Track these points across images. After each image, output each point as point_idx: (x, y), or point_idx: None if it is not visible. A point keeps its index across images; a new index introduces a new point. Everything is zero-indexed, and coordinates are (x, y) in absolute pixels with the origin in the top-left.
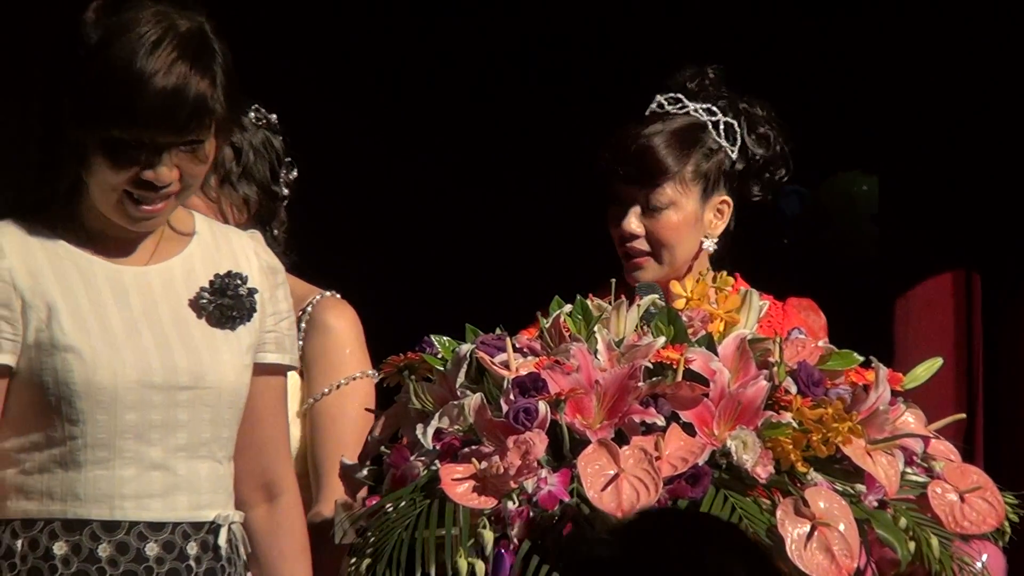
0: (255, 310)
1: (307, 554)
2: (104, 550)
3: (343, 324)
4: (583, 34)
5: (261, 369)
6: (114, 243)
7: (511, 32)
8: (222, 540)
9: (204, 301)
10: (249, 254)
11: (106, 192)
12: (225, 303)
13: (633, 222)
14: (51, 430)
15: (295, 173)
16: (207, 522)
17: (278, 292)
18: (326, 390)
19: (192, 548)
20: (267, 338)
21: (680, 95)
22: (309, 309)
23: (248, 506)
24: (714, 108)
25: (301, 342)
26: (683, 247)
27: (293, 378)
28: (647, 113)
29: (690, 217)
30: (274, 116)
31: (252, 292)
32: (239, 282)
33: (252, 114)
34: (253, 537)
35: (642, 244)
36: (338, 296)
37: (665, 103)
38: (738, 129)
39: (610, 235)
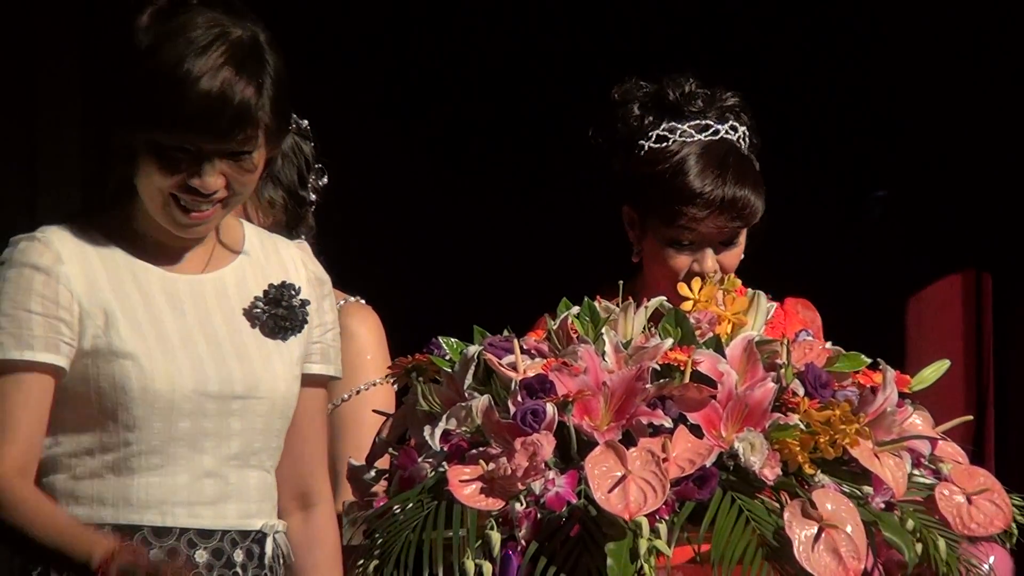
0: (306, 322)
1: (339, 565)
2: (155, 556)
3: (365, 330)
4: (592, 39)
5: (306, 380)
6: (167, 250)
7: (521, 38)
8: (268, 549)
9: (258, 311)
10: (298, 264)
11: (153, 195)
12: (279, 313)
13: (712, 263)
14: (105, 436)
15: (325, 179)
16: (254, 531)
17: (324, 303)
18: (346, 396)
19: (239, 556)
20: (313, 349)
21: (707, 121)
22: None
23: (283, 515)
24: (734, 123)
25: None
26: (736, 265)
27: None
28: (673, 146)
29: (745, 238)
30: (305, 122)
31: (304, 304)
32: (292, 293)
33: None
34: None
35: (715, 277)
36: (363, 302)
37: (692, 131)
38: (748, 132)
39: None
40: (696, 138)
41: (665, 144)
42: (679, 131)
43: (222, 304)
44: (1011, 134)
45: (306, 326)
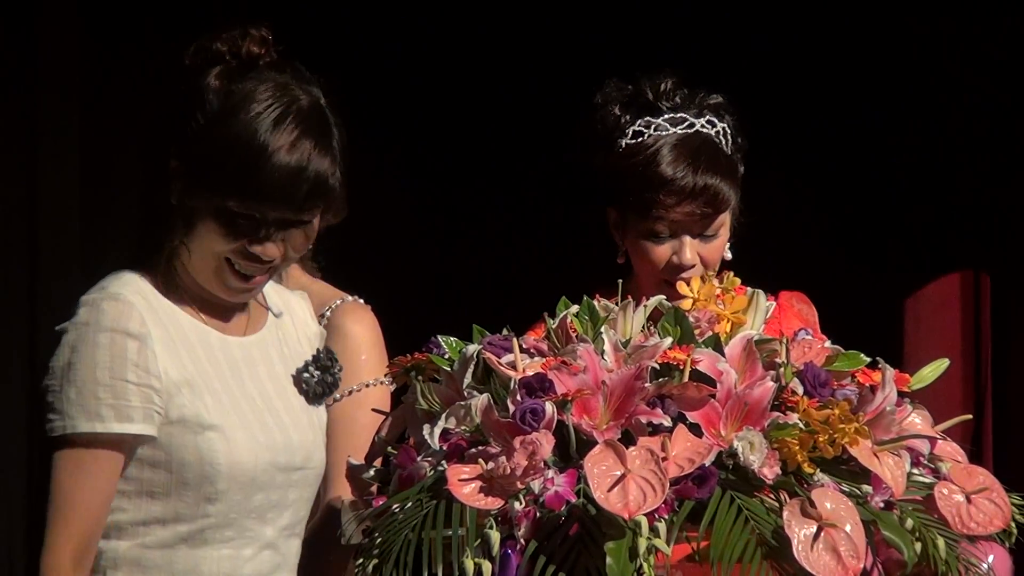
0: (337, 388)
1: None
2: None
3: (361, 330)
4: (589, 38)
5: None
6: (216, 311)
7: (518, 37)
8: None
9: (307, 375)
10: (308, 320)
11: (207, 259)
12: (327, 380)
13: (691, 253)
14: (181, 506)
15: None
16: None
17: None
18: (338, 396)
19: None
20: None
21: (682, 114)
22: (328, 313)
23: None
24: (712, 118)
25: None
26: (720, 259)
27: None
28: (648, 140)
29: (728, 232)
30: None
31: (340, 370)
32: (335, 360)
33: None
34: None
35: (697, 271)
36: (360, 301)
37: (667, 124)
38: (728, 130)
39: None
40: (671, 131)
41: (641, 139)
42: (654, 125)
43: (269, 368)
44: (1010, 134)
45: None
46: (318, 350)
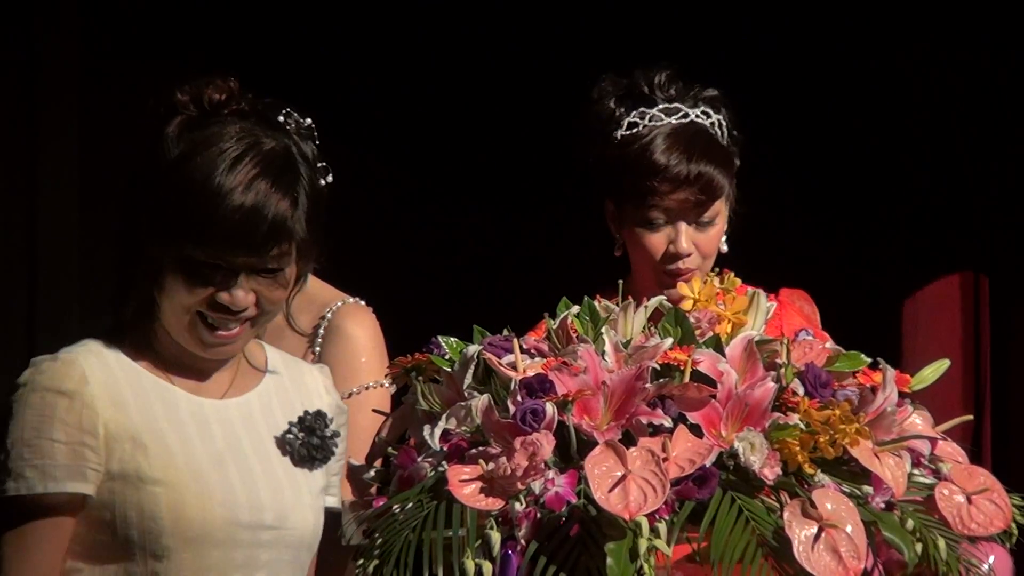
0: (334, 454)
1: None
2: None
3: (361, 332)
4: (586, 40)
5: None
6: (192, 372)
7: (517, 36)
8: None
9: (291, 437)
10: (322, 391)
11: (178, 313)
12: (313, 443)
13: (687, 241)
14: (131, 565)
15: (329, 178)
16: None
17: (343, 432)
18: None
19: None
20: (332, 481)
21: (677, 104)
22: (329, 315)
23: None
24: (707, 109)
25: (319, 348)
26: (716, 252)
27: None
28: (643, 130)
29: (724, 222)
30: (308, 120)
31: (335, 435)
32: (326, 423)
33: (282, 118)
34: None
35: (693, 260)
36: (362, 303)
37: (662, 115)
38: (724, 122)
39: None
40: (665, 121)
41: (636, 129)
42: (649, 116)
43: (249, 430)
44: (1009, 134)
45: (332, 458)
46: (305, 412)
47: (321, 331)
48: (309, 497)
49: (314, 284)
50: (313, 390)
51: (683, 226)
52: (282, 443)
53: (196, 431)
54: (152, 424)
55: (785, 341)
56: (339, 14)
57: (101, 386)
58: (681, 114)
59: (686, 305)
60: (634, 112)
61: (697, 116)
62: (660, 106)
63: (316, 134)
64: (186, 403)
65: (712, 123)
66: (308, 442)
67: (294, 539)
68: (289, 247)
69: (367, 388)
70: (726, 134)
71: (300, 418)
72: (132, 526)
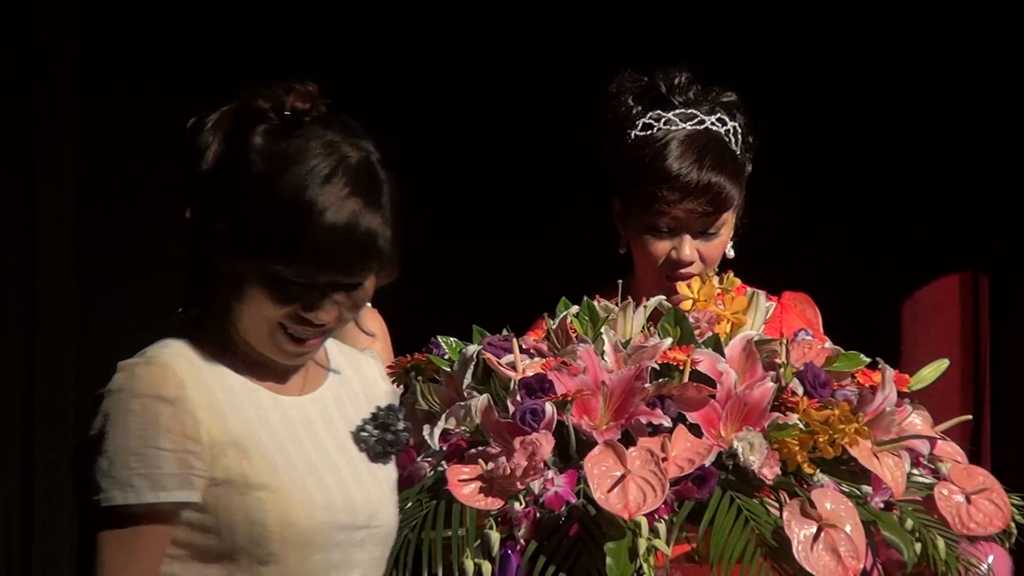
0: (408, 445)
1: None
2: None
3: (372, 330)
4: (588, 39)
5: None
6: (270, 372)
7: (522, 36)
8: None
9: (365, 434)
10: (378, 379)
11: (259, 324)
12: (387, 438)
13: (690, 250)
14: (235, 569)
15: None
16: None
17: None
18: None
19: None
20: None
21: (692, 109)
22: None
23: None
24: (723, 116)
25: None
26: (720, 258)
27: None
28: (658, 133)
29: (730, 231)
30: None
31: (408, 429)
32: (399, 417)
33: None
34: None
35: (695, 268)
36: (368, 305)
37: (677, 119)
38: (740, 129)
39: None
40: (681, 126)
41: (650, 132)
42: (664, 119)
43: (329, 427)
44: (1009, 134)
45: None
46: (377, 408)
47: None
48: (390, 492)
49: None
50: (371, 379)
51: (687, 236)
52: (358, 439)
53: (286, 432)
54: (248, 428)
55: (784, 341)
56: (338, 15)
57: (197, 391)
58: (697, 120)
59: (685, 305)
60: (650, 113)
61: (712, 123)
62: (677, 110)
63: None
64: (272, 404)
65: (727, 130)
66: (383, 438)
67: (382, 535)
68: (378, 264)
69: None
70: (740, 141)
71: (374, 415)
72: (238, 532)
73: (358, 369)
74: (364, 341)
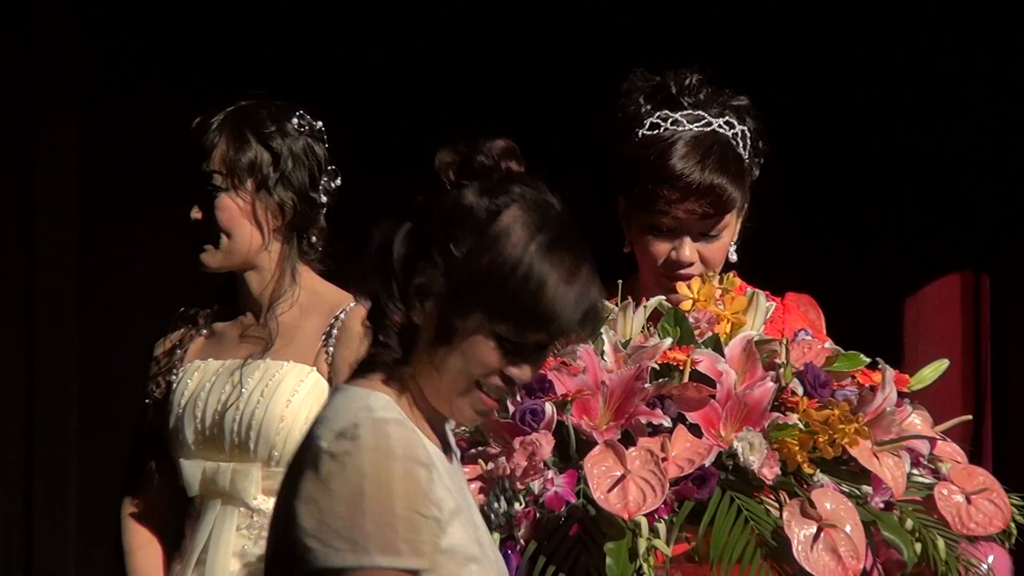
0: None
1: None
2: None
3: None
4: (589, 38)
5: None
6: (438, 436)
7: (517, 34)
8: None
9: (497, 506)
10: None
11: (458, 380)
12: (511, 512)
13: (690, 251)
14: None
15: (338, 181)
16: None
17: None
18: None
19: None
20: None
21: (700, 111)
22: (342, 316)
23: None
24: (731, 119)
25: (332, 349)
26: (723, 261)
27: (322, 385)
28: (664, 133)
29: (733, 233)
30: (319, 123)
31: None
32: (515, 493)
33: (296, 120)
34: None
35: (696, 269)
36: (354, 303)
37: (684, 120)
38: (749, 133)
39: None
40: (688, 127)
41: (657, 131)
42: (672, 119)
43: (467, 490)
44: (1009, 134)
45: None
46: (501, 479)
47: (334, 332)
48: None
49: (322, 286)
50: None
51: (687, 238)
52: (482, 511)
53: (463, 497)
54: (454, 494)
55: (784, 341)
56: (338, 14)
57: (434, 456)
58: (704, 122)
59: (685, 305)
60: (658, 113)
61: (720, 126)
62: (685, 111)
63: (326, 137)
64: (448, 469)
65: (735, 134)
66: (509, 512)
67: None
68: (597, 325)
69: None
70: (748, 145)
71: (500, 488)
72: None
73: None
74: (358, 345)
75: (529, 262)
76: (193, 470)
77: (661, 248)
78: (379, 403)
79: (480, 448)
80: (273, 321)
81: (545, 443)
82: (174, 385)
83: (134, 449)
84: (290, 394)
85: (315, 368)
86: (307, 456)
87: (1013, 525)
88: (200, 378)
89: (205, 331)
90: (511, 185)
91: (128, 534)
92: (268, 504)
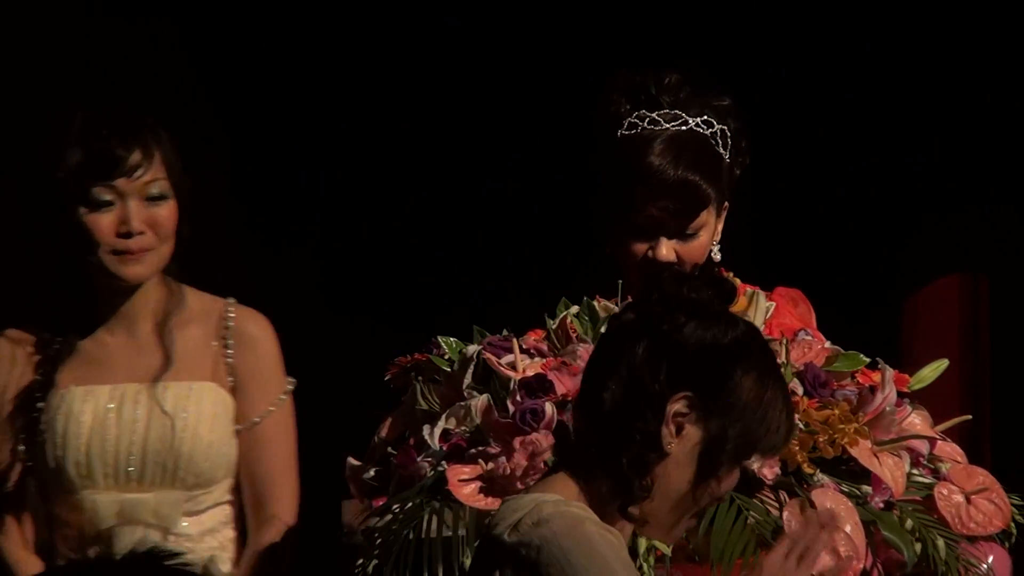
0: None
1: None
2: None
3: (263, 333)
4: (587, 38)
5: None
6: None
7: (512, 36)
8: None
9: None
10: None
11: (699, 503)
12: None
13: (667, 251)
14: None
15: None
16: None
17: None
18: (271, 408)
19: None
20: None
21: (678, 110)
22: (232, 324)
23: None
24: (709, 119)
25: (232, 359)
26: (703, 260)
27: (223, 395)
28: (643, 132)
29: (712, 233)
30: None
31: None
32: None
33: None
34: None
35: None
36: (240, 304)
37: (661, 120)
38: (729, 132)
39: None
40: (665, 127)
41: (635, 131)
42: (649, 119)
43: None
44: (1008, 134)
45: None
46: None
47: (230, 340)
48: None
49: (190, 293)
50: None
51: (663, 237)
52: None
53: None
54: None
55: (784, 341)
56: (338, 13)
57: None
58: (680, 121)
59: None
60: (636, 113)
61: (697, 125)
62: (663, 111)
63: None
64: None
65: (714, 132)
66: None
67: None
68: None
69: (287, 391)
70: (729, 145)
71: None
72: None
73: None
74: (256, 347)
75: (769, 401)
76: (107, 506)
77: (638, 248)
78: (553, 499)
79: (480, 448)
80: (168, 336)
81: (545, 443)
82: (48, 414)
83: None
84: (211, 418)
85: (216, 382)
86: (495, 559)
87: (1013, 525)
88: (94, 408)
89: (65, 354)
90: (729, 319)
91: None
92: (193, 528)
